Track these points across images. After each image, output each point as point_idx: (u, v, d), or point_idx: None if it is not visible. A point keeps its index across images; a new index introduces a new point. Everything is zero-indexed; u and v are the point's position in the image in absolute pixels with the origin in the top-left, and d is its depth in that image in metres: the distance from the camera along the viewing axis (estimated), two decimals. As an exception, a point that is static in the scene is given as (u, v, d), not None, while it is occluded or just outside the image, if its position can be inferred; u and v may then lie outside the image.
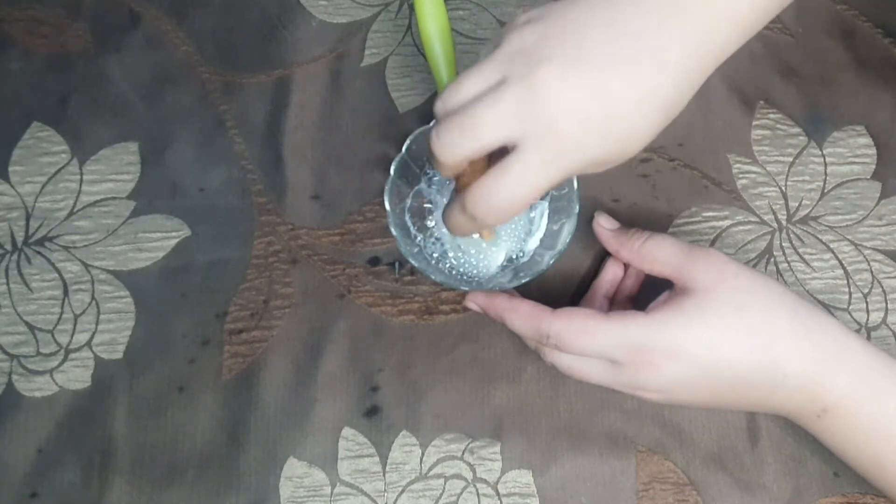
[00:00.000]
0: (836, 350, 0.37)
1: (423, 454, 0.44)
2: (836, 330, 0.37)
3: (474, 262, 0.46)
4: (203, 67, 0.53)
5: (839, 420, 0.37)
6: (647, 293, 0.43)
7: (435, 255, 0.46)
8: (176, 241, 0.48)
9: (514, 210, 0.34)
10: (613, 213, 0.48)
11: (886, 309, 0.46)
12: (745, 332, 0.36)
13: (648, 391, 0.37)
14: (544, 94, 0.32)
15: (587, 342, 0.37)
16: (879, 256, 0.47)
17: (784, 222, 0.48)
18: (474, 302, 0.43)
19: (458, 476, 0.43)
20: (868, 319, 0.46)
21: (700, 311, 0.37)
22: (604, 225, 0.44)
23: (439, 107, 0.35)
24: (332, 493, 0.43)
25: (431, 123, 0.43)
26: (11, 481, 0.43)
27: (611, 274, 0.45)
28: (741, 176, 0.49)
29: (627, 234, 0.42)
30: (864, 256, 0.47)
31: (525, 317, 0.39)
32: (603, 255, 0.46)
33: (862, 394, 0.37)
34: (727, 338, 0.36)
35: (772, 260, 0.47)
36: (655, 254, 0.40)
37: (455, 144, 0.34)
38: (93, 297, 0.47)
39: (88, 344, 0.46)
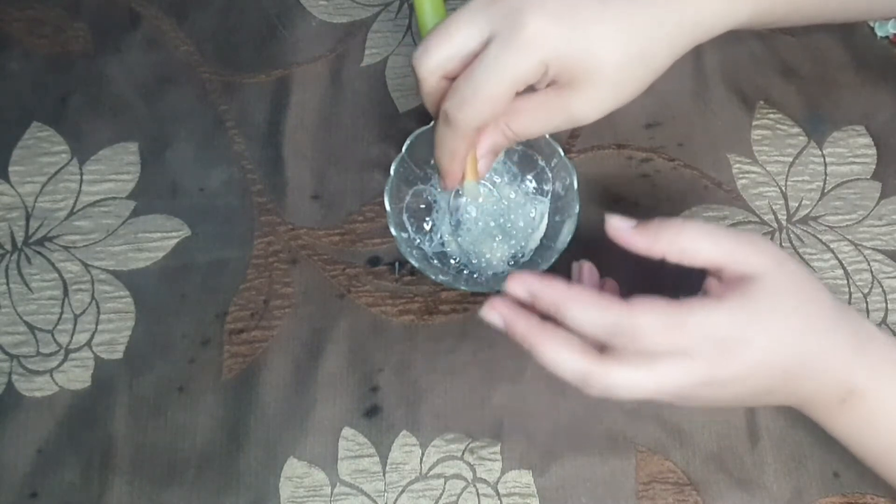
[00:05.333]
0: (862, 334, 0.37)
1: (423, 454, 0.44)
2: (857, 316, 0.38)
3: (474, 262, 0.46)
4: (203, 67, 0.53)
5: (863, 404, 0.36)
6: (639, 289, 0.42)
7: (435, 254, 0.46)
8: (176, 241, 0.48)
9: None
10: (613, 213, 0.48)
11: (886, 309, 0.46)
12: (802, 317, 0.35)
13: (713, 390, 0.35)
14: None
15: (669, 336, 0.33)
16: (879, 256, 0.47)
17: (784, 222, 0.48)
18: (523, 286, 0.34)
19: (458, 476, 0.43)
20: (868, 319, 0.46)
21: (775, 298, 0.34)
22: (620, 226, 0.37)
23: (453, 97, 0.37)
24: (332, 493, 0.43)
25: (431, 124, 0.43)
26: (11, 481, 0.43)
27: (588, 273, 0.41)
28: (741, 176, 0.49)
29: (654, 226, 0.36)
30: (864, 256, 0.47)
31: (595, 307, 0.33)
32: (602, 256, 0.46)
33: (888, 377, 0.36)
34: (789, 325, 0.35)
35: (772, 260, 0.47)
36: (698, 245, 0.35)
37: (471, 114, 0.36)
38: (93, 297, 0.47)
39: (88, 344, 0.46)
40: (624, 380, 0.33)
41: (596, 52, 0.35)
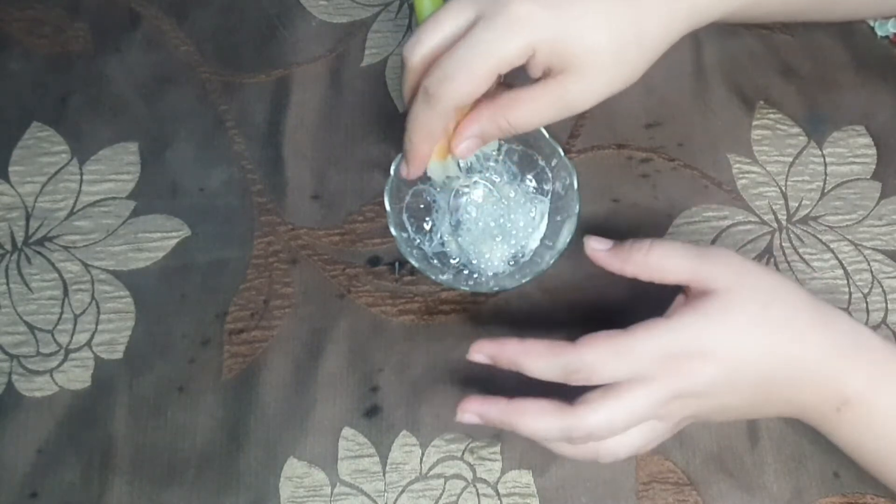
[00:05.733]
0: (853, 341, 0.37)
1: (423, 454, 0.44)
2: (849, 323, 0.38)
3: (474, 263, 0.46)
4: (203, 67, 0.53)
5: (860, 411, 0.37)
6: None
7: (435, 254, 0.46)
8: (176, 241, 0.48)
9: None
10: (613, 213, 0.48)
11: (886, 309, 0.46)
12: (772, 328, 0.36)
13: (684, 403, 0.36)
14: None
15: (616, 365, 0.35)
16: (879, 256, 0.47)
17: (784, 222, 0.48)
18: (481, 353, 0.38)
19: (458, 476, 0.43)
20: (868, 319, 0.46)
21: (727, 311, 0.36)
22: (597, 247, 0.39)
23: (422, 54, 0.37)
24: (332, 493, 0.43)
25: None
26: (11, 481, 0.43)
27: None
28: (741, 176, 0.49)
29: (626, 248, 0.38)
30: (864, 256, 0.47)
31: (545, 356, 0.36)
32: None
33: (882, 383, 0.36)
34: (755, 335, 0.36)
35: (772, 260, 0.47)
36: (665, 263, 0.37)
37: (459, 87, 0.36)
38: (93, 297, 0.47)
39: (88, 344, 0.46)
40: (598, 419, 0.35)
41: (588, 36, 0.35)
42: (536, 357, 0.36)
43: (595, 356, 0.35)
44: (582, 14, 0.35)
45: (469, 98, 0.37)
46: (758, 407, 0.38)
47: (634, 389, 0.35)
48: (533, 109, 0.38)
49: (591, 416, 0.35)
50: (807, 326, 0.37)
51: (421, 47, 0.37)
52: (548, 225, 0.46)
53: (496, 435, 0.44)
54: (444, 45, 0.36)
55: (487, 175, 0.47)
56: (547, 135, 0.44)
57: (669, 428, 0.38)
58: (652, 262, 0.38)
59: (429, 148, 0.39)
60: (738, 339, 0.36)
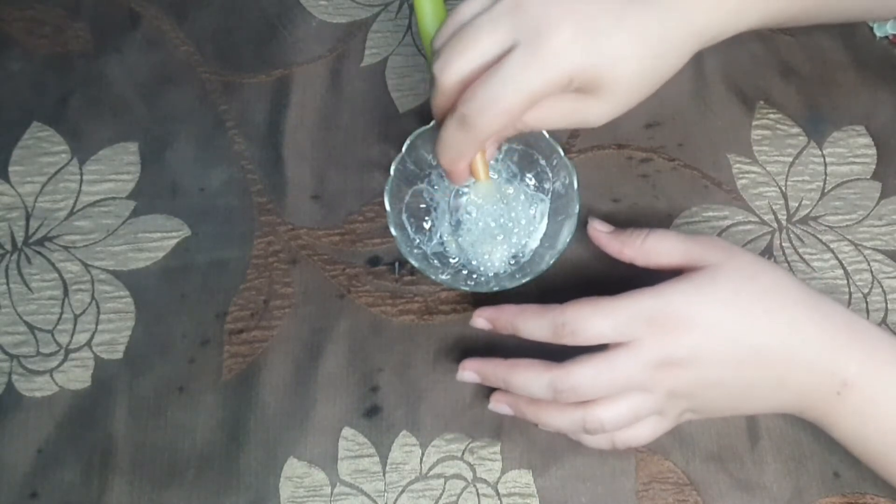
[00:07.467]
0: (847, 324, 0.37)
1: (423, 454, 0.44)
2: (841, 308, 0.38)
3: (474, 263, 0.46)
4: (203, 67, 0.53)
5: (862, 395, 0.37)
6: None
7: (435, 254, 0.46)
8: (176, 241, 0.48)
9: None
10: (613, 213, 0.48)
11: (886, 309, 0.46)
12: (759, 295, 0.37)
13: (670, 373, 0.37)
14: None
15: (601, 321, 0.37)
16: (879, 256, 0.47)
17: (784, 222, 0.48)
18: (482, 318, 0.41)
19: (458, 476, 0.43)
20: (868, 319, 0.46)
21: (712, 280, 0.37)
22: (600, 229, 0.43)
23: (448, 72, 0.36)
24: (332, 493, 0.43)
25: (431, 124, 0.43)
26: (11, 481, 0.43)
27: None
28: (741, 176, 0.49)
29: (626, 233, 0.42)
30: (864, 256, 0.47)
31: (535, 316, 0.39)
32: (603, 255, 0.46)
33: (883, 366, 0.37)
34: (741, 305, 0.37)
35: (771, 260, 0.47)
36: (660, 247, 0.40)
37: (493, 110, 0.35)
38: (93, 297, 0.47)
39: (88, 344, 0.46)
40: (582, 372, 0.37)
41: (615, 62, 0.36)
42: (529, 316, 0.39)
43: (576, 311, 0.38)
44: (618, 44, 0.35)
45: (505, 126, 0.37)
46: (752, 389, 0.38)
47: (619, 350, 0.37)
48: (549, 116, 0.38)
49: (576, 369, 0.37)
50: (797, 304, 0.37)
51: (454, 69, 0.36)
52: (548, 225, 0.46)
53: (496, 435, 0.44)
54: (478, 69, 0.36)
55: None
56: (547, 134, 0.44)
57: (659, 402, 0.38)
58: (648, 245, 0.40)
59: (464, 165, 0.39)
60: (722, 308, 0.37)
